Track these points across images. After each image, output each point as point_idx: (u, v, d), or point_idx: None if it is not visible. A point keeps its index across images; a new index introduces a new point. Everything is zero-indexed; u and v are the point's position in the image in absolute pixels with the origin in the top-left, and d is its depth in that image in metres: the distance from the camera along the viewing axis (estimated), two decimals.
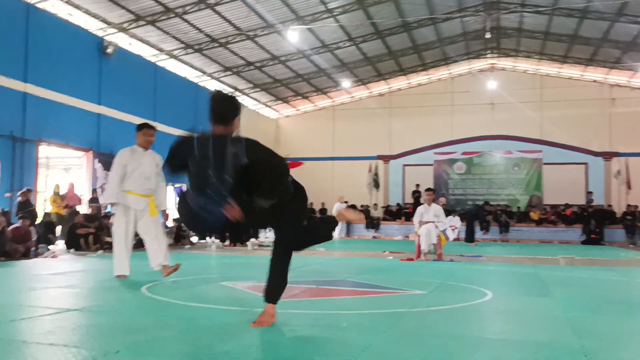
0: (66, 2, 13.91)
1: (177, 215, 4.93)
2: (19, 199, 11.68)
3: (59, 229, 12.70)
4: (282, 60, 20.22)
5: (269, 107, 25.62)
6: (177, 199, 3.54)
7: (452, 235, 19.15)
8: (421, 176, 23.16)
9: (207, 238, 14.64)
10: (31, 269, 7.52)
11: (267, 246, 14.40)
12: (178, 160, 3.22)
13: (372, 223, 21.98)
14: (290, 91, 24.04)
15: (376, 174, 23.66)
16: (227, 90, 21.77)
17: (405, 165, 24.98)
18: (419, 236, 9.94)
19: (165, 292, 5.05)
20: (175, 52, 18.00)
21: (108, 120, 15.41)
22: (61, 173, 18.43)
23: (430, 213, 10.05)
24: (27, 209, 11.38)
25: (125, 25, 15.49)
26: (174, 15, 15.40)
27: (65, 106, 13.97)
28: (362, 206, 23.12)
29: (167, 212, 7.32)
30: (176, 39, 17.06)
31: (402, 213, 22.35)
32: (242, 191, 3.07)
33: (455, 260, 9.74)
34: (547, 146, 23.27)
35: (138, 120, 16.44)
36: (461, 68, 24.70)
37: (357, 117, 25.39)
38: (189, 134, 3.28)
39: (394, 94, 25.60)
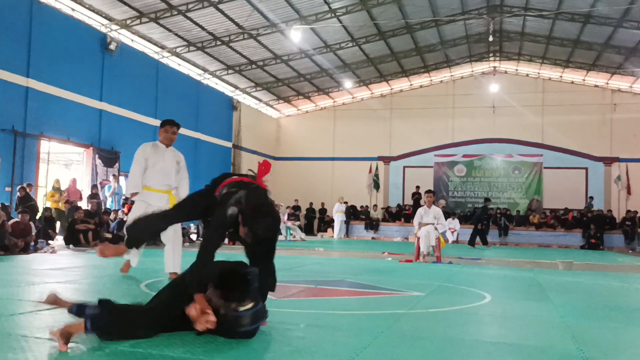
0: None
1: None
2: (19, 193, 11.70)
3: (58, 225, 12.71)
4: (284, 60, 20.23)
5: (271, 106, 25.63)
6: None
7: (451, 238, 19.17)
8: (421, 178, 23.17)
9: None
10: (30, 264, 7.53)
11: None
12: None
13: (372, 224, 21.99)
14: (291, 91, 24.06)
15: (376, 175, 23.66)
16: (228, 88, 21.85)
17: (405, 166, 24.98)
18: (418, 238, 9.96)
19: None
20: (177, 50, 18.02)
21: (109, 117, 15.42)
22: (61, 168, 18.45)
23: (429, 215, 10.06)
24: (27, 203, 11.39)
25: (128, 21, 15.50)
26: (177, 13, 15.42)
27: (67, 101, 13.98)
28: (361, 207, 23.15)
29: None
30: (179, 36, 17.08)
31: (402, 214, 22.36)
32: None
33: (454, 262, 9.75)
34: (547, 150, 23.28)
35: (139, 117, 16.67)
36: (463, 71, 24.71)
37: (358, 118, 25.39)
38: None
39: (395, 95, 25.61)
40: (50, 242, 11.41)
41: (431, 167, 24.15)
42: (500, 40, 21.44)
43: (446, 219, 12.97)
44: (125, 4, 14.61)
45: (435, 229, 9.90)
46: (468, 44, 21.47)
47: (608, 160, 22.85)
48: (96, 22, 15.16)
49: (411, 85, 25.30)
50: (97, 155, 14.84)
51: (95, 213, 12.53)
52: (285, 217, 19.66)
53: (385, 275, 7.23)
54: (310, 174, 25.34)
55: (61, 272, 6.51)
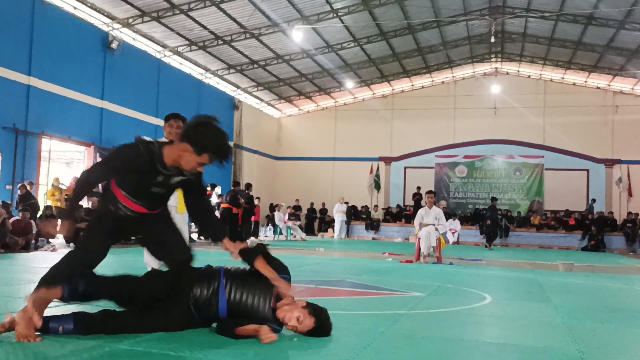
0: None
1: None
2: (19, 191, 11.70)
3: (59, 223, 12.68)
4: (286, 60, 20.23)
5: (272, 106, 25.63)
6: None
7: (452, 239, 19.16)
8: (422, 179, 23.14)
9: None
10: (31, 262, 7.53)
11: (267, 245, 14.40)
12: None
13: (372, 224, 21.98)
14: (293, 90, 24.06)
15: (377, 176, 23.65)
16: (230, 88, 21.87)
17: (406, 167, 24.98)
18: (418, 238, 9.95)
19: None
20: (179, 49, 18.02)
21: (110, 115, 15.43)
22: (62, 167, 18.45)
23: (430, 216, 10.06)
24: (28, 201, 11.40)
25: (130, 20, 15.51)
26: (179, 12, 15.43)
27: (69, 100, 13.99)
28: (362, 207, 23.14)
29: None
30: (181, 35, 17.08)
31: (403, 215, 22.35)
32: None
33: (454, 263, 9.74)
34: (549, 152, 23.26)
35: (141, 116, 16.68)
36: (465, 71, 24.70)
37: (359, 118, 25.39)
38: None
39: (396, 95, 25.60)
40: (50, 240, 11.42)
41: (432, 167, 24.13)
42: (502, 42, 21.42)
43: (447, 219, 12.94)
44: (128, 2, 14.62)
45: (436, 229, 9.89)
46: (470, 44, 21.46)
47: (609, 162, 22.83)
48: (98, 20, 15.17)
49: (412, 85, 25.29)
50: (98, 154, 14.84)
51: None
52: (286, 217, 19.66)
53: (386, 275, 7.22)
54: (311, 174, 25.34)
55: None
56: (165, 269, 3.28)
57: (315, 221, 24.09)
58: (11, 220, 9.93)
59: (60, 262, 3.08)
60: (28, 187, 11.83)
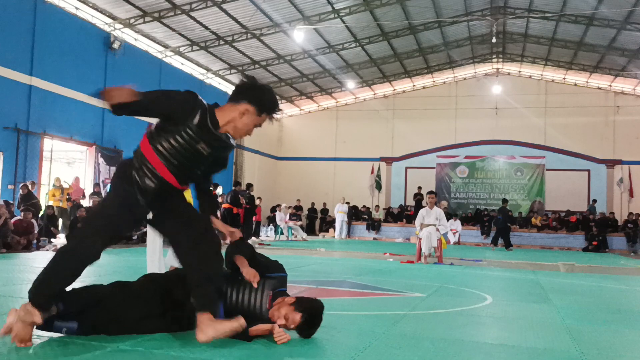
0: None
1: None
2: (21, 191, 11.72)
3: (60, 222, 12.73)
4: (287, 60, 20.24)
5: None
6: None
7: (452, 239, 19.16)
8: (423, 179, 23.15)
9: None
10: (32, 262, 7.54)
11: (268, 245, 14.43)
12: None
13: (373, 224, 21.98)
14: (294, 91, 24.06)
15: (378, 176, 23.65)
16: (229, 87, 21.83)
17: (407, 167, 24.98)
18: (419, 239, 9.95)
19: None
20: (180, 49, 18.04)
21: (112, 116, 15.15)
22: (64, 166, 18.47)
23: (431, 216, 10.06)
24: (29, 201, 11.42)
25: (131, 20, 15.53)
26: (180, 12, 15.44)
27: (70, 100, 14.01)
28: (363, 207, 23.15)
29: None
30: (182, 35, 17.10)
31: (404, 215, 22.35)
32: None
33: (455, 263, 9.74)
34: (550, 152, 23.25)
35: (142, 117, 16.63)
36: (466, 72, 24.68)
37: (360, 119, 25.39)
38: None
39: (398, 96, 25.60)
40: (52, 240, 11.45)
41: (433, 168, 24.14)
42: (504, 42, 21.42)
43: (448, 220, 12.94)
44: (129, 3, 14.63)
45: (437, 230, 9.90)
46: (471, 45, 21.45)
47: (610, 163, 22.81)
48: (100, 21, 15.19)
49: (414, 86, 25.29)
50: (99, 154, 14.87)
51: None
52: (287, 217, 19.66)
53: (387, 276, 7.23)
54: (312, 174, 25.34)
55: None
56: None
57: (316, 221, 24.10)
58: (13, 220, 9.95)
59: (47, 268, 2.72)
60: (30, 187, 11.85)
